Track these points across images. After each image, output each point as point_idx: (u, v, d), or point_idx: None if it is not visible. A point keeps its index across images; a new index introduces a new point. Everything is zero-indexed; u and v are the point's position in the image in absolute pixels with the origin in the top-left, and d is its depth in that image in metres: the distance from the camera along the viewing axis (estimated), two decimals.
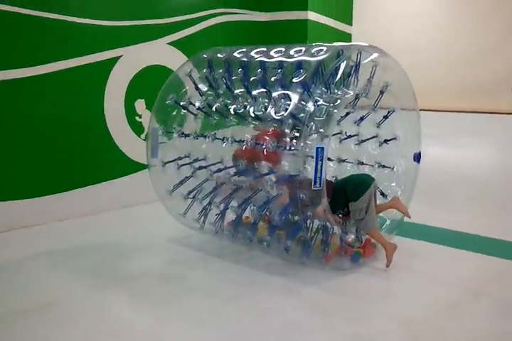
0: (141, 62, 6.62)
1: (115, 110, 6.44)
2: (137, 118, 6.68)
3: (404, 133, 4.99)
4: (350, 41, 8.50)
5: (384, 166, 5.24)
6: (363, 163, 5.35)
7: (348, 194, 4.57)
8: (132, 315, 3.90)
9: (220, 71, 4.93)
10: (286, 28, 7.96)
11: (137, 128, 6.69)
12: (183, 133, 5.07)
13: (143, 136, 6.75)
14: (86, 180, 6.27)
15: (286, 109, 4.17)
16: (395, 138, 5.04)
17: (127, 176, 6.68)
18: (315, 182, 3.94)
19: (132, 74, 6.54)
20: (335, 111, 4.24)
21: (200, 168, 4.98)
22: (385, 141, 5.10)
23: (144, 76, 6.63)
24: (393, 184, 5.15)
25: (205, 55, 5.15)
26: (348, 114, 5.11)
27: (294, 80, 4.29)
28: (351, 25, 8.47)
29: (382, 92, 4.78)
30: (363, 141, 5.29)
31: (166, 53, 6.85)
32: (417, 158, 4.99)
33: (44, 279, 4.47)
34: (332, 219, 4.40)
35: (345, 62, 4.26)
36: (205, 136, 4.86)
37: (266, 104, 4.40)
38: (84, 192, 6.25)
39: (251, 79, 4.62)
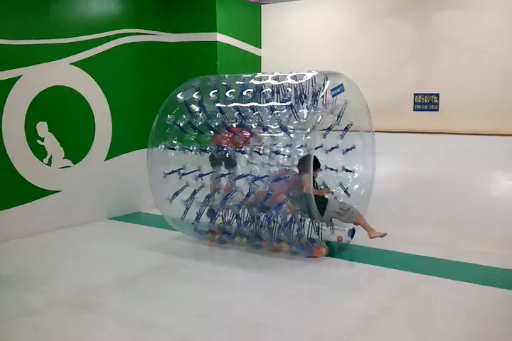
0: (42, 83, 6.32)
1: (14, 133, 6.07)
2: (39, 141, 6.33)
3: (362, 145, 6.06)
4: (260, 63, 8.61)
5: (347, 170, 6.13)
6: (331, 169, 6.15)
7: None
8: None
9: (211, 94, 5.75)
10: (195, 50, 7.94)
11: (39, 152, 6.34)
12: (184, 147, 5.79)
13: (46, 160, 6.41)
14: None
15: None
16: (353, 147, 6.02)
17: (29, 203, 6.28)
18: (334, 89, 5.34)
19: (33, 96, 6.22)
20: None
21: (201, 175, 5.75)
22: (347, 150, 6.07)
23: (46, 97, 6.34)
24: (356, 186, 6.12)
25: (193, 84, 5.95)
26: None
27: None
28: (260, 47, 8.60)
29: (342, 110, 5.74)
30: (331, 150, 6.10)
31: (69, 74, 6.60)
32: (352, 233, 5.78)
33: None
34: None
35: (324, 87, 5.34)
36: (205, 150, 5.70)
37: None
38: None
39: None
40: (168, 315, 4.14)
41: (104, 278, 4.93)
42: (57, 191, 6.57)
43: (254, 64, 8.48)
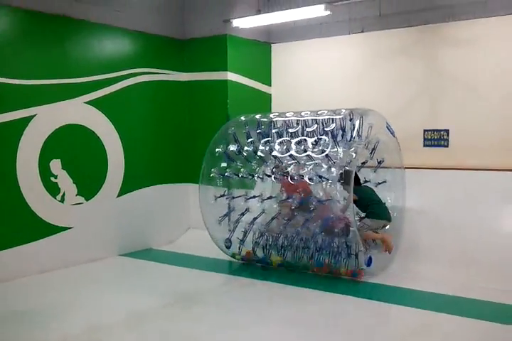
0: (56, 122, 6.46)
1: (28, 170, 6.17)
2: (52, 178, 6.42)
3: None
4: (270, 101, 8.73)
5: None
6: None
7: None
8: None
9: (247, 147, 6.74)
10: (206, 88, 8.09)
11: (52, 189, 6.42)
12: (235, 174, 6.77)
13: (59, 196, 6.48)
14: None
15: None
16: (385, 182, 6.72)
17: (42, 240, 6.32)
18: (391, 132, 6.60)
19: (47, 134, 6.35)
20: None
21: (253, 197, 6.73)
22: (379, 183, 6.76)
23: (60, 135, 6.46)
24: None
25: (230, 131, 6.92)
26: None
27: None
28: (270, 85, 8.73)
29: (375, 146, 6.54)
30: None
31: (83, 112, 6.74)
32: (368, 262, 5.93)
33: None
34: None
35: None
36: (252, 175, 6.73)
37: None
38: None
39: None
40: None
41: (116, 316, 4.90)
42: (70, 227, 6.61)
43: (264, 102, 8.60)
